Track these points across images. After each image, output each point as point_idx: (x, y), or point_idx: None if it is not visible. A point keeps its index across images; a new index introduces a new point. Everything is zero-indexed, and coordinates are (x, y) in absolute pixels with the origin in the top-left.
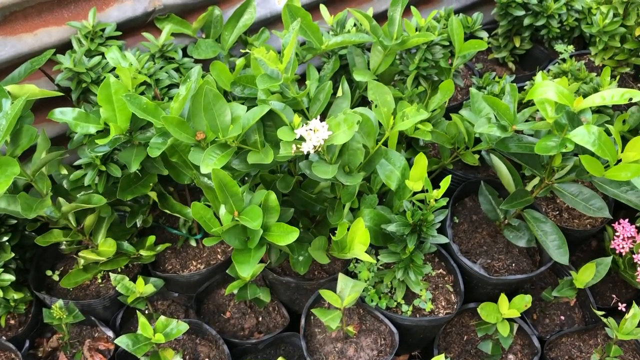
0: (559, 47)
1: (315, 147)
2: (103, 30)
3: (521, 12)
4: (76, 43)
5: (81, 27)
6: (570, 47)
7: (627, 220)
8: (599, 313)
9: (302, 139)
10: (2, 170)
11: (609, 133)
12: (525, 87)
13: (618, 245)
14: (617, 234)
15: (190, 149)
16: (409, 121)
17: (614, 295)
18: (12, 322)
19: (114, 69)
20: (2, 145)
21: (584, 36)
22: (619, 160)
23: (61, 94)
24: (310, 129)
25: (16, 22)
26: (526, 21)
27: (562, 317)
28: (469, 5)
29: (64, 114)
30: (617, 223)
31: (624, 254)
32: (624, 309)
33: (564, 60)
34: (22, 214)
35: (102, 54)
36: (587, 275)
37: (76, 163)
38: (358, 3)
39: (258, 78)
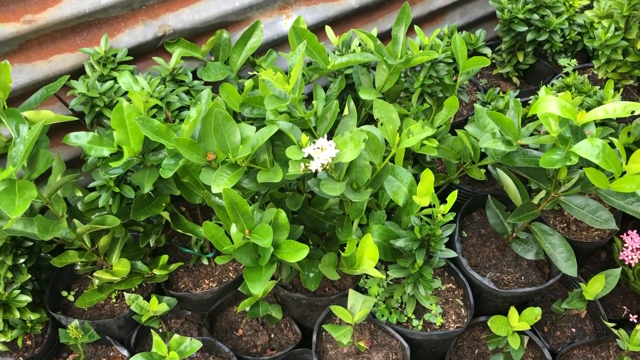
0: (563, 61)
1: (323, 165)
2: (115, 55)
3: (524, 28)
4: (89, 68)
5: (94, 53)
6: (574, 61)
7: (635, 231)
8: (610, 325)
9: (310, 157)
10: (20, 193)
11: (612, 145)
12: (529, 101)
13: (627, 256)
14: (625, 245)
15: (202, 170)
16: (414, 138)
17: (624, 307)
18: (28, 342)
19: (126, 92)
20: (19, 169)
21: (587, 49)
22: (624, 173)
23: (76, 118)
24: (318, 148)
25: (31, 50)
26: (529, 36)
27: (574, 329)
28: (472, 22)
29: (79, 138)
30: (625, 234)
31: (633, 265)
32: (635, 320)
33: (567, 74)
34: (39, 236)
35: (115, 79)
36: (597, 287)
37: (90, 185)
38: (362, 23)
39: (266, 99)
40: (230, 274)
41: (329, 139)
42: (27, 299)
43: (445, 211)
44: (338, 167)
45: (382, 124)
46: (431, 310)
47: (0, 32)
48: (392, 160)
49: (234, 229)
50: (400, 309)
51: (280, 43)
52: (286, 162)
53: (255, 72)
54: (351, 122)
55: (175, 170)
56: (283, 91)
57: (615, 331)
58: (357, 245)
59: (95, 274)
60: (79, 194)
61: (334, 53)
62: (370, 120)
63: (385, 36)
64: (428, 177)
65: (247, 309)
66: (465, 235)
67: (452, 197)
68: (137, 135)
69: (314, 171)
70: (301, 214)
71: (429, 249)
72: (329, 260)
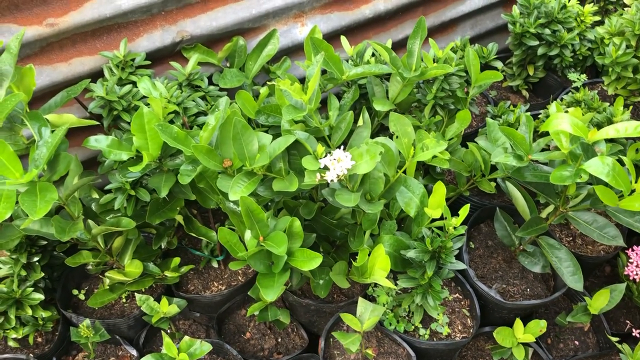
0: (572, 75)
1: (338, 176)
2: (133, 59)
3: (535, 42)
4: (108, 72)
5: (113, 57)
6: (583, 76)
7: None
8: (614, 339)
9: (326, 168)
10: (41, 195)
11: (622, 163)
12: (539, 116)
13: (632, 272)
14: (630, 260)
15: (218, 176)
16: (429, 152)
17: (628, 321)
18: (39, 339)
19: (143, 97)
20: (40, 172)
21: (596, 65)
22: (633, 190)
23: (96, 122)
24: (334, 159)
25: (52, 52)
26: (540, 51)
27: (577, 342)
28: (483, 33)
29: (99, 142)
30: (630, 250)
31: (637, 280)
32: (638, 335)
33: (577, 89)
34: (56, 236)
35: (133, 83)
36: (601, 301)
37: (107, 187)
38: (375, 32)
39: (284, 109)
40: (240, 278)
41: (342, 147)
42: (39, 296)
43: (458, 224)
44: (352, 178)
45: (397, 137)
46: (438, 320)
47: (23, 34)
48: (404, 172)
49: (248, 236)
50: (407, 318)
51: (294, 50)
52: (301, 171)
53: (272, 83)
54: (365, 133)
55: (193, 177)
56: (300, 101)
57: (619, 346)
58: (368, 254)
59: (107, 274)
60: (95, 195)
61: (347, 62)
62: (382, 130)
63: (398, 46)
64: (440, 190)
65: (256, 313)
66: (473, 247)
67: (465, 211)
68: (156, 140)
69: (329, 181)
70: (313, 222)
71: (439, 261)
72: (340, 269)
